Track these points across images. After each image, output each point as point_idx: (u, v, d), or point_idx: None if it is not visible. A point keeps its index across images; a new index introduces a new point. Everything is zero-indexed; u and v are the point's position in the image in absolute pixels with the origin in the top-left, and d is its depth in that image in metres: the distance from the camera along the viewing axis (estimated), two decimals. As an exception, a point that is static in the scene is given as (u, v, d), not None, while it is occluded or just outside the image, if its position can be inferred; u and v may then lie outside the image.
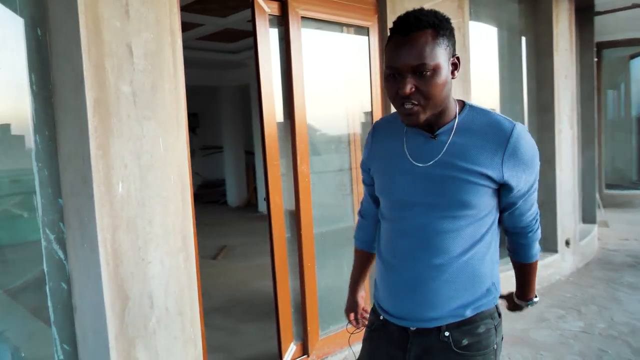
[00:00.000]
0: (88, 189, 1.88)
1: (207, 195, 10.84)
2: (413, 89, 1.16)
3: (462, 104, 1.31)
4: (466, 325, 1.27)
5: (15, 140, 1.93)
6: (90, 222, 1.90)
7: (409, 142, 1.29)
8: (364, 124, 3.50)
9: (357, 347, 1.59)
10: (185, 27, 7.25)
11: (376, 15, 3.40)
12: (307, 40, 3.04)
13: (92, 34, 1.88)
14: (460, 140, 1.24)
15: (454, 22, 3.46)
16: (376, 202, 1.47)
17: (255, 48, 2.83)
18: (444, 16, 1.23)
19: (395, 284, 1.29)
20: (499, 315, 1.34)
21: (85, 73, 1.85)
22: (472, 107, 1.31)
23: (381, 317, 1.34)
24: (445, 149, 1.24)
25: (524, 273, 1.46)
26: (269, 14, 2.88)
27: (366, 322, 1.48)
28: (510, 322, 3.62)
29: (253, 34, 2.83)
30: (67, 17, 1.86)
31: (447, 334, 1.26)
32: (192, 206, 2.45)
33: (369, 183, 1.48)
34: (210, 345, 3.38)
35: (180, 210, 2.32)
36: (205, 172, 11.48)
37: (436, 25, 1.18)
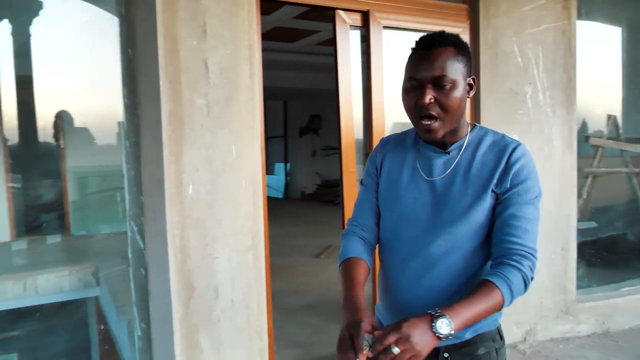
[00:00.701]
0: (160, 190, 2.14)
1: (324, 194, 11.21)
2: (432, 100, 1.19)
3: (473, 125, 1.31)
4: (466, 347, 1.25)
5: (111, 144, 2.27)
6: (161, 219, 2.17)
7: (420, 157, 1.31)
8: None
9: None
10: (302, 34, 7.64)
11: (468, 22, 3.30)
12: (390, 45, 3.07)
13: (169, 52, 2.14)
14: (468, 157, 1.26)
15: (558, 25, 3.24)
16: (375, 220, 1.41)
17: (335, 59, 2.93)
18: (464, 41, 1.26)
19: (397, 304, 1.30)
20: (501, 338, 1.30)
21: (161, 88, 2.11)
22: (481, 127, 1.33)
23: None
24: (454, 164, 1.26)
25: (481, 291, 1.12)
26: (350, 25, 2.96)
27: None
28: (603, 353, 3.29)
29: (333, 45, 2.94)
30: (149, 38, 2.14)
31: (446, 355, 1.25)
32: (265, 209, 2.63)
33: (370, 191, 1.41)
34: (293, 341, 3.58)
35: (252, 214, 2.52)
36: (325, 172, 11.88)
37: (457, 45, 1.23)
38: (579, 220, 4.38)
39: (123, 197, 2.35)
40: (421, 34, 1.28)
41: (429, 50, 1.20)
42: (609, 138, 4.66)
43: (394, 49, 3.11)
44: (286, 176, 13.13)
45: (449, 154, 1.27)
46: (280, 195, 12.85)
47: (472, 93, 1.26)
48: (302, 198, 12.07)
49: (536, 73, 3.38)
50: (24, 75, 5.49)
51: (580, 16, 3.59)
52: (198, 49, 2.26)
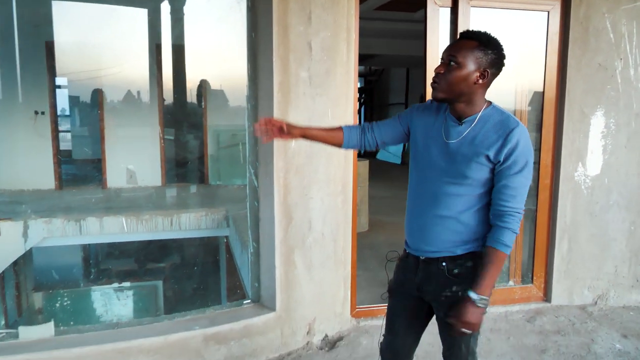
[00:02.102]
0: (271, 142, 2.82)
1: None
2: (441, 71, 1.66)
3: (489, 103, 1.73)
4: (458, 260, 1.73)
5: (238, 107, 2.98)
6: (270, 164, 2.85)
7: (443, 125, 1.77)
8: (533, 105, 3.67)
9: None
10: (423, 3, 7.85)
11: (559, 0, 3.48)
12: (479, 25, 3.39)
13: (281, 37, 2.77)
14: (477, 129, 1.69)
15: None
16: (374, 137, 1.86)
17: (424, 39, 3.36)
18: (498, 44, 1.66)
19: (413, 226, 1.81)
20: None
21: (274, 64, 2.76)
22: (494, 107, 1.73)
23: (406, 252, 1.88)
24: (465, 134, 1.70)
25: (486, 259, 1.64)
26: (440, 6, 3.35)
27: (270, 134, 1.74)
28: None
29: (424, 25, 3.36)
30: (266, 25, 2.79)
31: (443, 264, 1.74)
32: (355, 161, 3.21)
33: (392, 125, 1.86)
34: (379, 282, 4.13)
35: (343, 164, 3.12)
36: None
37: (483, 42, 1.65)
38: None
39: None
40: (510, 12, 1.65)
41: (460, 40, 1.67)
42: None
43: (483, 27, 3.43)
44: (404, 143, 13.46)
45: (462, 125, 1.71)
46: (398, 161, 13.25)
47: (481, 81, 1.65)
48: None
49: (629, 48, 3.48)
50: (178, 45, 6.58)
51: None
52: (304, 33, 2.86)
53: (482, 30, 1.69)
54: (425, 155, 1.76)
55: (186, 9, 5.96)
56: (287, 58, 2.82)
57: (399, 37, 9.56)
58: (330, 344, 3.10)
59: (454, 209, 1.71)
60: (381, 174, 9.77)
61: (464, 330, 1.65)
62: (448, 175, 1.70)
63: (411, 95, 13.48)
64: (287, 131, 1.77)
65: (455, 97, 1.68)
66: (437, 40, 3.37)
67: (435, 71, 1.66)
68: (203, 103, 6.79)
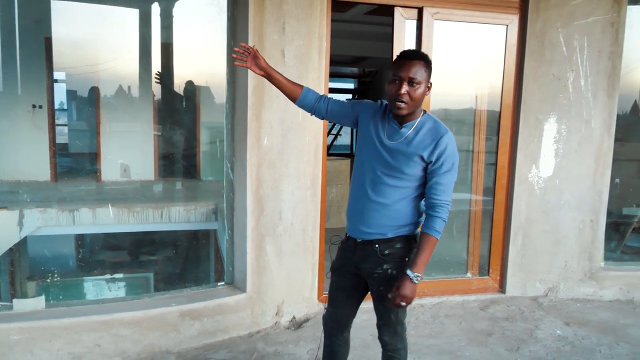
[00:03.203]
0: (244, 139, 3.13)
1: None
2: (406, 92, 1.97)
3: (424, 112, 2.05)
4: (389, 242, 2.03)
5: (218, 105, 3.28)
6: (243, 159, 3.16)
7: (386, 126, 2.08)
8: (490, 116, 3.98)
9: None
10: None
11: (518, 14, 3.79)
12: (442, 37, 3.70)
13: (257, 43, 3.07)
14: (414, 133, 2.01)
15: (607, 17, 3.65)
16: (326, 108, 2.17)
17: (391, 45, 3.66)
18: (430, 59, 2.00)
19: (353, 210, 2.11)
20: (416, 241, 2.04)
21: (249, 69, 3.06)
22: (429, 115, 2.06)
23: (347, 235, 2.18)
24: (404, 136, 2.02)
25: (422, 243, 1.94)
26: (406, 19, 3.66)
27: (245, 59, 2.09)
28: (616, 314, 3.72)
29: (391, 36, 3.67)
30: (243, 34, 3.09)
31: (377, 246, 2.05)
32: (324, 159, 3.52)
33: (344, 106, 2.17)
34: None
35: (312, 160, 3.42)
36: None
37: (426, 61, 1.99)
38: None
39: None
40: (471, 25, 1.91)
41: (409, 60, 1.96)
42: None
43: (446, 39, 3.73)
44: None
45: (402, 128, 2.02)
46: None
47: (429, 93, 2.00)
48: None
49: (580, 61, 3.79)
50: (166, 44, 6.88)
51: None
52: (278, 42, 3.17)
53: (415, 49, 2.00)
54: (371, 150, 2.07)
55: (175, 11, 6.29)
56: (261, 64, 3.12)
57: (389, 40, 9.84)
58: (297, 324, 3.41)
59: (390, 198, 2.01)
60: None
61: (401, 303, 1.95)
62: (388, 169, 2.01)
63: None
64: (257, 63, 2.09)
65: (415, 110, 1.99)
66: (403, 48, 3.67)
67: (400, 93, 1.92)
68: (195, 100, 7.08)
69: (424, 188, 2.03)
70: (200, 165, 7.55)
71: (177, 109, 7.66)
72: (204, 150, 7.47)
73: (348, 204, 2.16)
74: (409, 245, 2.05)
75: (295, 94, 2.20)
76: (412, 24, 3.68)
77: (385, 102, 2.14)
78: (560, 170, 3.89)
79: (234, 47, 3.30)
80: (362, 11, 8.36)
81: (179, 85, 7.34)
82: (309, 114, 2.26)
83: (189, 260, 7.05)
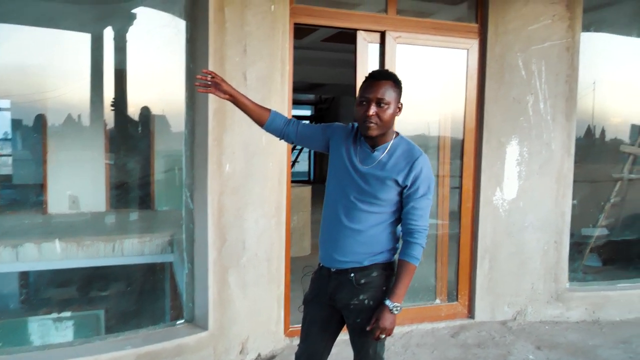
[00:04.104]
0: (205, 165, 2.96)
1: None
2: (374, 113, 1.87)
3: (397, 134, 1.96)
4: (365, 271, 1.92)
5: (175, 134, 3.12)
6: (204, 187, 2.99)
7: (359, 149, 1.98)
8: (454, 140, 3.97)
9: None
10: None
11: (477, 39, 3.83)
12: (405, 60, 3.68)
13: (217, 66, 2.94)
14: (388, 156, 1.92)
15: (562, 42, 3.72)
16: (296, 131, 2.04)
17: (354, 69, 3.62)
18: (399, 79, 1.93)
19: (326, 237, 1.99)
20: (392, 269, 1.94)
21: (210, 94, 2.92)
22: (402, 137, 1.99)
23: (320, 265, 2.05)
24: (377, 160, 1.92)
25: (400, 271, 1.88)
26: (369, 43, 3.63)
27: (209, 85, 1.95)
28: (584, 336, 3.71)
29: (354, 60, 3.62)
30: (204, 56, 2.96)
31: (352, 275, 1.92)
32: (288, 186, 3.38)
33: (315, 129, 2.06)
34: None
35: (277, 187, 3.28)
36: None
37: (395, 81, 1.92)
38: (599, 227, 4.78)
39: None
40: (433, 49, 1.87)
41: (377, 80, 1.89)
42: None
43: (409, 62, 3.72)
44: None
45: (374, 152, 1.93)
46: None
47: (400, 113, 1.92)
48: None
49: (538, 84, 3.86)
50: (120, 70, 6.65)
51: (595, 29, 3.99)
52: (240, 64, 3.05)
53: (386, 69, 1.93)
54: (343, 175, 1.96)
55: (129, 35, 6.07)
56: (222, 87, 2.99)
57: (347, 67, 9.93)
58: (263, 361, 3.21)
59: (364, 224, 1.90)
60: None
61: (380, 335, 1.84)
62: (362, 194, 1.90)
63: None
64: (221, 88, 1.96)
65: (385, 132, 1.90)
66: (366, 74, 3.63)
67: (368, 115, 1.84)
68: (150, 127, 6.83)
69: (400, 213, 1.93)
70: (154, 195, 7.27)
71: (131, 136, 7.38)
72: (159, 179, 7.21)
73: (321, 231, 2.04)
74: (386, 273, 1.94)
75: (263, 118, 2.08)
76: (375, 48, 3.65)
77: (356, 125, 2.05)
78: (523, 192, 3.91)
79: (194, 69, 3.18)
80: (320, 37, 8.41)
81: (133, 113, 7.10)
82: (278, 138, 2.13)
83: (143, 296, 6.69)
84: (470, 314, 3.95)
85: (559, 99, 3.89)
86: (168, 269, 5.98)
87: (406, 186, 1.88)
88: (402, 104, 1.92)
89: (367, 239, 1.90)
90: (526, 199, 3.91)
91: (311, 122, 15.81)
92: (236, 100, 2.04)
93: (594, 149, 5.12)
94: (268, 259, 3.26)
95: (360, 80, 3.62)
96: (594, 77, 4.49)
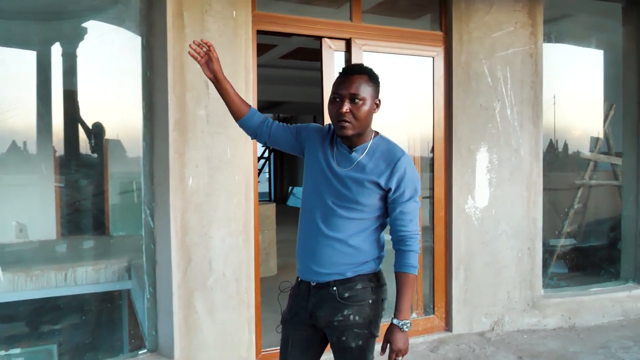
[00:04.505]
0: (167, 180, 2.74)
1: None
2: (348, 110, 1.71)
3: (376, 133, 1.82)
4: (348, 283, 1.75)
5: (130, 159, 2.89)
6: (166, 203, 2.76)
7: (335, 151, 1.82)
8: (423, 148, 3.90)
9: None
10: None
11: (442, 46, 3.79)
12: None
13: (177, 75, 2.76)
14: (367, 158, 1.77)
15: (525, 49, 3.71)
16: (269, 132, 1.89)
17: (321, 79, 3.49)
18: (376, 73, 1.79)
19: (304, 248, 1.82)
20: (378, 280, 1.79)
21: (169, 102, 2.73)
22: (381, 137, 1.84)
23: (298, 279, 1.87)
24: (356, 162, 1.77)
25: (401, 285, 1.72)
26: (335, 50, 3.52)
27: (202, 54, 1.85)
28: (563, 343, 3.65)
29: (320, 68, 3.50)
30: (162, 64, 2.77)
31: (334, 288, 1.75)
32: (255, 201, 3.19)
33: (289, 131, 1.89)
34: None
35: (244, 203, 3.08)
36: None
37: (370, 75, 1.77)
38: (564, 235, 4.79)
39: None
40: (399, 57, 1.77)
41: (349, 75, 1.74)
42: (600, 153, 5.03)
43: (375, 70, 3.63)
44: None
45: (352, 153, 1.78)
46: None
47: (378, 110, 1.78)
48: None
49: (504, 91, 3.84)
50: (69, 91, 6.29)
51: (559, 39, 4.03)
52: (201, 71, 2.85)
53: (360, 63, 1.80)
54: (320, 179, 1.80)
55: (80, 51, 5.73)
56: (183, 96, 2.80)
57: (305, 85, 9.90)
58: (235, 390, 2.96)
59: (345, 232, 1.74)
60: (290, 218, 9.78)
61: (397, 358, 1.70)
62: (340, 199, 1.75)
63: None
64: (209, 64, 1.84)
65: (362, 131, 1.75)
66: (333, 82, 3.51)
67: (341, 112, 1.69)
68: (103, 147, 6.50)
69: (384, 218, 1.79)
70: (109, 220, 6.90)
71: (82, 158, 7.01)
72: (114, 204, 6.86)
73: (298, 242, 1.87)
74: (372, 285, 1.78)
75: (242, 111, 1.90)
76: (340, 56, 3.55)
77: (332, 126, 1.90)
78: (495, 200, 3.85)
79: (151, 77, 2.97)
80: (278, 54, 8.30)
81: (84, 140, 6.73)
82: (250, 137, 1.96)
83: (100, 327, 6.27)
84: (448, 326, 3.83)
85: (525, 105, 3.89)
86: (126, 296, 5.64)
87: (390, 189, 1.73)
88: (380, 100, 1.78)
89: (349, 248, 1.74)
90: (498, 206, 3.86)
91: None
92: (219, 83, 1.87)
93: (557, 160, 5.16)
94: (237, 280, 3.04)
95: (327, 89, 3.53)
96: (554, 89, 4.53)
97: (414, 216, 1.75)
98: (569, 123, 5.10)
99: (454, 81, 3.76)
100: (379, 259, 1.81)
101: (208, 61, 1.85)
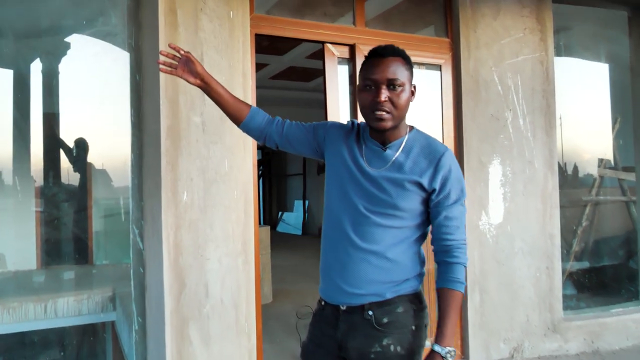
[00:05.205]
0: (158, 194, 2.45)
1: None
2: (386, 98, 1.45)
3: (411, 127, 1.56)
4: (387, 306, 1.46)
5: (123, 187, 2.62)
6: (157, 220, 2.46)
7: (365, 149, 1.55)
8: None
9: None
10: (316, 73, 8.05)
11: (450, 53, 3.59)
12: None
13: (170, 77, 2.48)
14: (404, 155, 1.50)
15: (535, 56, 3.52)
16: (281, 132, 1.63)
17: (324, 87, 3.25)
18: (408, 55, 1.54)
19: (331, 264, 1.52)
20: (420, 302, 1.51)
21: (161, 106, 2.45)
22: (418, 130, 1.58)
23: (322, 302, 1.57)
24: (392, 160, 1.50)
25: (445, 304, 1.44)
26: (338, 57, 3.29)
27: (174, 66, 1.53)
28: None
29: (323, 75, 3.27)
30: (153, 65, 2.50)
31: (370, 313, 1.46)
32: (256, 217, 2.90)
33: (304, 130, 1.63)
34: (291, 354, 3.72)
35: (243, 220, 2.79)
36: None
37: (404, 57, 1.51)
38: (573, 253, 4.54)
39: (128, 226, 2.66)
40: None
41: (384, 57, 1.47)
42: (607, 167, 4.83)
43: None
44: (304, 213, 13.40)
45: (386, 150, 1.51)
46: (299, 232, 13.08)
47: (413, 99, 1.52)
48: (319, 234, 12.22)
49: (516, 100, 3.63)
50: (50, 113, 5.93)
51: (561, 53, 3.86)
52: (195, 74, 2.60)
53: (391, 44, 1.54)
54: (346, 183, 1.52)
55: (62, 67, 5.41)
56: (176, 100, 2.53)
57: (295, 106, 9.71)
58: None
59: (381, 243, 1.47)
60: (282, 243, 9.49)
61: None
62: (375, 204, 1.48)
63: (309, 165, 13.60)
64: (191, 68, 1.53)
65: (400, 122, 1.50)
66: (337, 91, 3.28)
67: (379, 101, 1.44)
68: (86, 172, 6.15)
69: (426, 226, 1.51)
70: (92, 248, 6.53)
71: (64, 186, 6.64)
72: (97, 231, 6.49)
73: (322, 258, 1.57)
74: (415, 308, 1.49)
75: (242, 113, 1.62)
76: (343, 62, 3.32)
77: (355, 121, 1.64)
78: (509, 216, 3.60)
79: (140, 81, 2.70)
80: (268, 75, 8.11)
81: (66, 169, 6.38)
82: (258, 141, 1.68)
83: (81, 358, 5.86)
84: (464, 354, 3.52)
85: (537, 114, 3.68)
86: (110, 328, 5.27)
87: (434, 190, 1.46)
88: (415, 87, 1.52)
89: (387, 262, 1.46)
90: (513, 222, 3.60)
91: (258, 166, 15.37)
92: (209, 87, 1.57)
93: (563, 177, 4.97)
94: (235, 306, 2.72)
95: (331, 100, 3.29)
96: (558, 105, 4.33)
97: (460, 222, 1.49)
98: (575, 139, 4.91)
99: (462, 89, 3.55)
100: (420, 276, 1.53)
101: (187, 64, 1.54)
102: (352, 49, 3.30)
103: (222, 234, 2.68)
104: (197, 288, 2.56)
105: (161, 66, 1.55)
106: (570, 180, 4.99)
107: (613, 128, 4.65)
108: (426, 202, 1.49)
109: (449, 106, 3.59)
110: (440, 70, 3.58)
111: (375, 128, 1.49)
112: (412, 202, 1.47)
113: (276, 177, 15.83)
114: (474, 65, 3.57)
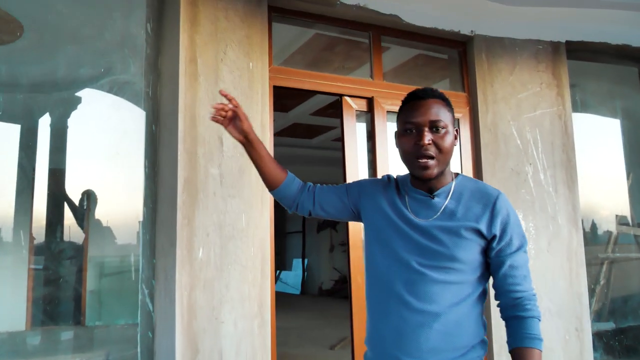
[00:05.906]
0: (172, 251, 2.28)
1: (342, 290, 11.06)
2: (430, 141, 1.33)
3: (457, 174, 1.46)
4: None
5: (127, 245, 2.47)
6: (171, 279, 2.27)
7: (409, 200, 1.42)
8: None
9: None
10: (319, 130, 8.06)
11: (467, 107, 3.54)
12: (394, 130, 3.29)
13: (188, 127, 2.38)
14: (454, 202, 1.38)
15: (553, 110, 3.46)
16: (313, 200, 1.53)
17: (342, 142, 3.16)
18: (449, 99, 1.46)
19: (383, 331, 1.35)
20: None
21: (179, 157, 2.33)
22: (464, 176, 1.48)
23: None
24: (443, 208, 1.37)
25: None
26: (356, 110, 3.22)
27: (223, 115, 1.47)
28: None
29: (340, 128, 3.18)
30: (172, 115, 2.40)
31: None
32: (272, 278, 2.72)
33: (337, 193, 1.53)
34: None
35: (259, 280, 2.60)
36: (342, 268, 11.81)
37: (445, 100, 1.43)
38: (593, 314, 4.33)
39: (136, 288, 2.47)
40: None
41: (424, 99, 1.38)
42: (621, 224, 4.70)
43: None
44: (304, 272, 13.07)
45: (434, 198, 1.39)
46: (297, 292, 12.71)
47: (457, 143, 1.42)
48: (319, 294, 11.89)
49: (536, 154, 3.55)
50: (57, 169, 5.79)
51: (577, 108, 3.83)
52: (215, 126, 2.49)
53: (430, 87, 1.45)
54: (392, 239, 1.39)
55: (72, 121, 5.34)
56: (195, 152, 2.41)
57: (297, 163, 9.66)
58: None
59: (442, 303, 1.31)
60: (281, 304, 9.11)
61: None
62: (430, 258, 1.34)
63: (308, 223, 13.40)
64: (238, 124, 1.47)
65: (445, 168, 1.40)
66: (355, 144, 3.19)
67: (423, 144, 1.33)
68: (85, 226, 5.94)
69: (486, 281, 1.36)
70: (85, 308, 6.22)
71: (60, 245, 6.40)
72: (91, 290, 6.21)
73: (369, 326, 1.40)
74: None
75: (278, 178, 1.53)
76: (361, 116, 3.25)
77: (391, 176, 1.52)
78: (535, 274, 3.38)
79: (156, 132, 2.59)
80: (310, 111, 8.06)
81: (69, 226, 6.17)
82: (289, 209, 1.55)
83: None
84: None
85: (558, 169, 3.59)
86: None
87: (494, 237, 1.33)
88: (458, 131, 1.45)
89: (449, 326, 1.29)
90: (539, 280, 3.42)
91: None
92: (252, 146, 1.51)
93: (585, 238, 4.84)
94: (251, 374, 2.49)
95: (350, 155, 3.18)
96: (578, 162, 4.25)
97: (527, 271, 1.36)
98: (592, 195, 4.80)
99: (481, 143, 3.47)
100: (484, 343, 1.36)
101: (234, 120, 1.48)
102: (370, 102, 3.24)
103: (238, 294, 2.49)
104: (211, 354, 2.34)
105: (213, 115, 1.48)
106: (588, 237, 4.85)
107: (627, 184, 4.57)
108: (485, 251, 1.35)
109: (468, 160, 3.50)
110: (458, 124, 3.52)
111: (421, 177, 1.37)
112: (471, 252, 1.33)
113: (275, 235, 15.54)
114: (492, 119, 3.51)
